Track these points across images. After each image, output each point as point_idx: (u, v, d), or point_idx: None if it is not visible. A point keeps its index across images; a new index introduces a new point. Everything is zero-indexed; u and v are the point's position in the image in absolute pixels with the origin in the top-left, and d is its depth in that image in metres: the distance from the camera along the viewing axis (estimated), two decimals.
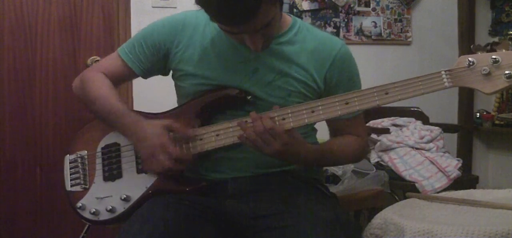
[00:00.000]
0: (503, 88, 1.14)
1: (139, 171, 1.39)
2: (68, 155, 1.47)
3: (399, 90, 1.19)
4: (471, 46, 1.21)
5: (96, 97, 1.40)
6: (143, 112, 1.47)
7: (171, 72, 1.47)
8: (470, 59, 1.16)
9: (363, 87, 1.33)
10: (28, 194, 2.74)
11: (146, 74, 1.47)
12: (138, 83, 1.57)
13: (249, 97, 1.35)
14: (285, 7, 3.02)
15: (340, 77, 1.40)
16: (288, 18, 1.41)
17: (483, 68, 1.14)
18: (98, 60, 2.72)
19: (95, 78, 1.44)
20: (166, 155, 1.28)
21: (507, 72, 1.12)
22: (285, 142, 1.22)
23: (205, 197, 1.33)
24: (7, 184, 2.72)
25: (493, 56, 1.14)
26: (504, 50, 1.14)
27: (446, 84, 1.17)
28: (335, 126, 1.45)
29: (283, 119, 1.25)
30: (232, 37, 1.31)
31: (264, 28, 1.21)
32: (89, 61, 2.73)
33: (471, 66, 1.15)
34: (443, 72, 1.18)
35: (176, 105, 1.47)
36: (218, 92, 1.36)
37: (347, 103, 1.22)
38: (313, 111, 1.25)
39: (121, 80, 1.49)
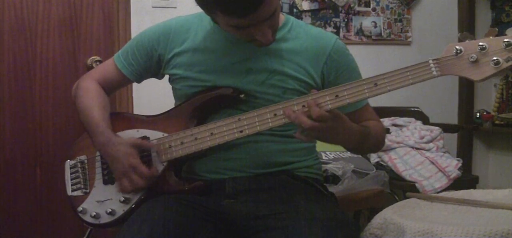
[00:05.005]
0: (491, 75, 1.12)
1: None
2: (68, 160, 1.48)
3: (388, 81, 1.18)
4: (459, 35, 1.19)
5: (82, 108, 1.44)
6: (138, 115, 1.48)
7: (166, 76, 1.49)
8: (457, 47, 1.14)
9: None
10: (28, 194, 2.73)
11: (139, 79, 1.51)
12: (137, 84, 1.58)
13: (242, 95, 1.35)
14: (285, 7, 3.02)
15: (339, 71, 1.40)
16: (281, 16, 1.42)
17: (470, 56, 1.13)
18: (98, 60, 2.72)
19: (87, 89, 1.47)
20: (137, 175, 1.31)
21: (494, 58, 1.11)
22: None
23: (204, 197, 1.33)
24: (7, 184, 2.71)
25: (480, 43, 1.12)
26: (491, 37, 1.13)
27: (434, 73, 1.16)
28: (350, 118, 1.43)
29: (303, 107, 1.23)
30: (240, 35, 1.27)
31: (271, 17, 1.21)
32: (89, 61, 2.73)
33: (459, 54, 1.14)
34: (430, 61, 1.16)
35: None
36: (212, 92, 1.37)
37: (337, 96, 1.20)
38: (304, 107, 1.23)
39: (117, 86, 1.53)
